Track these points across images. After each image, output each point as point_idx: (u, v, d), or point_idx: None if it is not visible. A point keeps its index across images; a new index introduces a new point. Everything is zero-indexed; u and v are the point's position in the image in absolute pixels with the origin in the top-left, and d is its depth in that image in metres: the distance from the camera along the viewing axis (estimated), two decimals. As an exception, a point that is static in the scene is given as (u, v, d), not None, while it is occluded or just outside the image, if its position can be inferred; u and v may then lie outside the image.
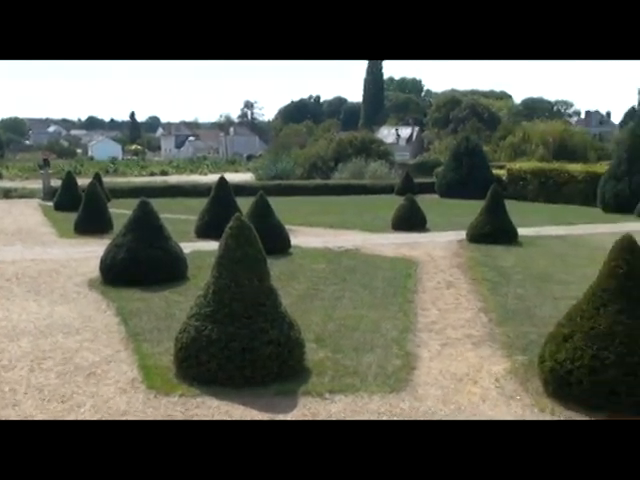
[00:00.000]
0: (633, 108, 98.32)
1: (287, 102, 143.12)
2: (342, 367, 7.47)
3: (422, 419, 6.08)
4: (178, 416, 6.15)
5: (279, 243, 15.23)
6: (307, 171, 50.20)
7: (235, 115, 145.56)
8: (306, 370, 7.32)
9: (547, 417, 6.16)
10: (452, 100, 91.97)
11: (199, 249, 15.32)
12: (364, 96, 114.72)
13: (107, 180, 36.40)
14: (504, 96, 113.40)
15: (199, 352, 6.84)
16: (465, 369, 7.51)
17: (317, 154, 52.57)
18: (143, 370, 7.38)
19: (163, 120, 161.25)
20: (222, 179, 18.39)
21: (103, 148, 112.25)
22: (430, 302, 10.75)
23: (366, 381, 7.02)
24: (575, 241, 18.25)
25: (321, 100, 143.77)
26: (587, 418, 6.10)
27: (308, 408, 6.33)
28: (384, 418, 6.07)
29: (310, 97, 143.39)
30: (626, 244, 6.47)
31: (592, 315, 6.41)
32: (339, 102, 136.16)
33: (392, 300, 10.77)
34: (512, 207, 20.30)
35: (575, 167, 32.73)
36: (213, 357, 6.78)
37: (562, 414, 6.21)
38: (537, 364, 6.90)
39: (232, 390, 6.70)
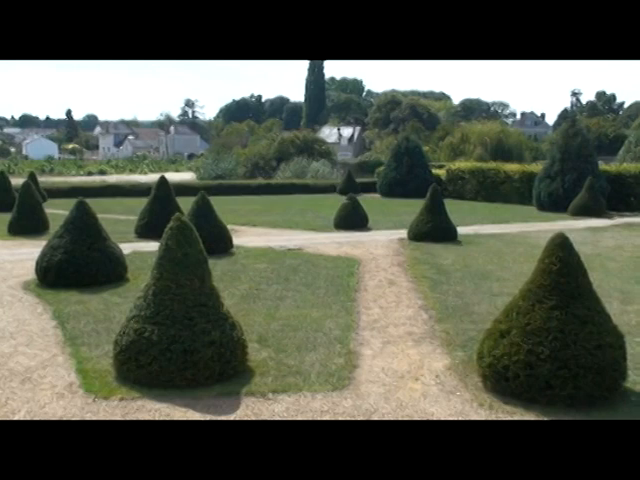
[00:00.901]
0: (566, 110, 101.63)
1: (229, 101, 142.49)
2: (285, 367, 7.47)
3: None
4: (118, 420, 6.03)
5: (221, 243, 15.13)
6: (249, 170, 50.02)
7: (176, 114, 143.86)
8: (249, 370, 7.29)
9: (486, 412, 6.30)
10: (392, 100, 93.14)
11: (139, 250, 15.08)
12: (306, 96, 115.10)
13: (43, 180, 35.43)
14: (443, 97, 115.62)
15: (139, 354, 6.74)
16: (406, 366, 7.61)
17: (259, 153, 52.43)
18: (81, 374, 7.21)
19: (101, 118, 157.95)
20: (162, 178, 18.13)
21: (38, 147, 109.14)
22: (372, 300, 10.85)
23: (309, 380, 7.04)
24: (512, 239, 18.72)
25: (263, 99, 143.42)
26: (523, 411, 6.27)
27: (251, 409, 6.31)
28: (327, 417, 6.10)
29: (252, 96, 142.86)
30: (559, 242, 6.67)
31: (528, 311, 6.58)
32: (281, 101, 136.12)
33: (335, 299, 10.82)
34: (451, 206, 20.72)
35: (511, 167, 33.56)
36: (154, 359, 6.69)
37: (500, 408, 6.36)
38: (476, 360, 7.05)
39: (174, 392, 6.62)
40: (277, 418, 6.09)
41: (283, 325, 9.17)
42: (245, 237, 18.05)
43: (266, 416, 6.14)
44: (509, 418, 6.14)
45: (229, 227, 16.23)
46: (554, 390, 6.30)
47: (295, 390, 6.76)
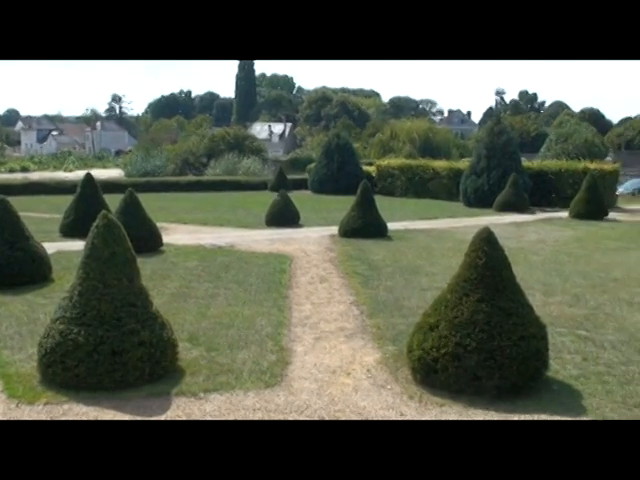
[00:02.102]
0: (491, 108, 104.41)
1: (157, 96, 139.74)
2: (217, 365, 7.40)
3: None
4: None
5: (150, 241, 14.87)
6: (179, 167, 49.30)
7: (102, 109, 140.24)
8: (180, 370, 7.19)
9: (415, 404, 6.42)
10: (323, 97, 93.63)
11: (64, 249, 14.64)
12: (236, 92, 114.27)
13: (-40, 177, 33.89)
14: (373, 95, 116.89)
15: (65, 357, 6.54)
16: (338, 361, 7.67)
17: (189, 150, 51.73)
18: (3, 379, 6.94)
19: (23, 113, 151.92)
20: (89, 175, 17.65)
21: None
22: (304, 297, 10.88)
23: (241, 378, 7.01)
24: (440, 234, 19.12)
25: (192, 95, 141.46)
26: (452, 402, 6.42)
27: (182, 409, 6.22)
28: (259, 414, 6.08)
29: (181, 92, 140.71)
30: (484, 236, 6.86)
31: (455, 304, 6.74)
32: (211, 97, 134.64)
33: (267, 296, 10.80)
34: (382, 202, 20.98)
35: (439, 163, 34.26)
36: (81, 362, 6.51)
37: (429, 400, 6.49)
38: (406, 353, 7.17)
39: (102, 394, 6.46)
40: (208, 418, 6.03)
41: (214, 323, 9.09)
42: (175, 235, 17.78)
43: (197, 416, 6.07)
44: (438, 409, 6.28)
45: (158, 225, 15.96)
46: (481, 381, 6.47)
47: (227, 388, 6.71)
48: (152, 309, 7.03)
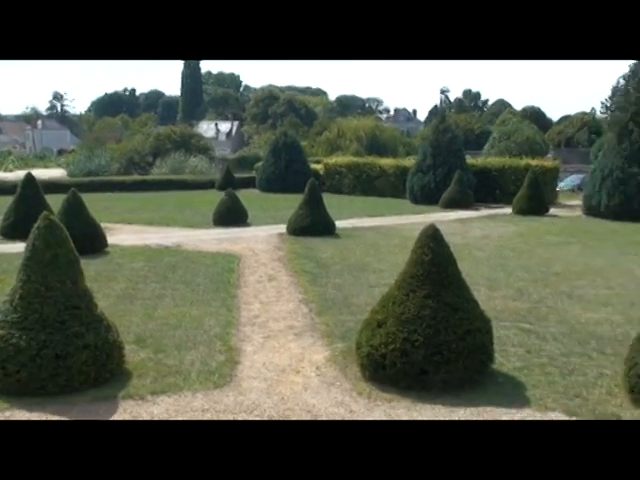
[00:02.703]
0: (436, 106, 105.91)
1: (100, 94, 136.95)
2: (164, 367, 7.31)
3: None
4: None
5: (94, 242, 14.59)
6: (124, 167, 48.40)
7: (43, 107, 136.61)
8: (127, 373, 7.08)
9: (364, 400, 6.46)
10: (270, 96, 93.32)
11: (4, 251, 14.24)
12: (182, 90, 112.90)
13: None
14: (320, 93, 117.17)
15: (6, 362, 6.36)
16: (287, 360, 7.67)
17: (134, 149, 50.85)
18: (-59, 387, 6.70)
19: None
20: (29, 175, 17.19)
21: None
22: (253, 296, 10.84)
23: (189, 379, 6.94)
24: (387, 231, 19.31)
25: (137, 93, 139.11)
26: (400, 398, 6.49)
27: (129, 412, 6.12)
28: (208, 415, 6.03)
29: (125, 90, 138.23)
30: (430, 233, 6.96)
31: (402, 301, 6.82)
32: (156, 95, 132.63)
33: (215, 296, 10.72)
34: (329, 200, 21.07)
35: (386, 161, 34.57)
36: (23, 367, 6.33)
37: (378, 396, 6.55)
38: (355, 350, 7.22)
39: (46, 400, 6.30)
40: (156, 419, 5.95)
41: (162, 324, 8.97)
42: (120, 235, 17.48)
43: (145, 419, 5.98)
44: (387, 405, 6.34)
45: (103, 225, 15.67)
46: (428, 375, 6.57)
47: (175, 390, 6.64)
48: (97, 311, 6.90)
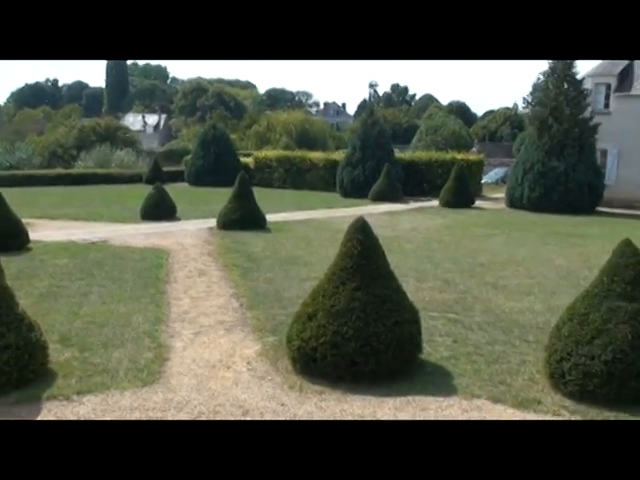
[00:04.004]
0: (365, 100, 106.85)
1: (20, 85, 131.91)
2: (91, 366, 7.13)
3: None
4: None
5: (15, 239, 14.06)
6: (47, 160, 46.80)
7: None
8: (51, 373, 6.86)
9: (295, 393, 6.48)
10: (198, 88, 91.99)
11: None
12: (107, 81, 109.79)
13: None
14: (249, 86, 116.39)
15: None
16: (218, 355, 7.61)
17: (57, 142, 49.24)
18: None
19: None
20: (-57, 169, 16.41)
21: None
22: (182, 291, 10.70)
23: (117, 378, 6.79)
24: (318, 225, 19.40)
25: (59, 84, 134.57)
26: (331, 390, 6.54)
27: (54, 413, 5.94)
28: (136, 414, 5.92)
29: (47, 80, 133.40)
30: (359, 226, 7.03)
31: (333, 293, 6.87)
32: (80, 87, 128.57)
33: (143, 292, 10.52)
34: (260, 194, 20.98)
35: (316, 155, 34.70)
36: (-62, 370, 6.05)
37: (309, 389, 6.58)
38: (286, 344, 7.23)
39: (-36, 404, 6.05)
40: (82, 419, 5.80)
41: (88, 323, 8.74)
42: (43, 231, 16.91)
43: (70, 419, 5.82)
44: (318, 397, 6.38)
45: (24, 221, 15.10)
46: (359, 367, 6.65)
47: (102, 389, 6.48)
48: (18, 310, 6.65)
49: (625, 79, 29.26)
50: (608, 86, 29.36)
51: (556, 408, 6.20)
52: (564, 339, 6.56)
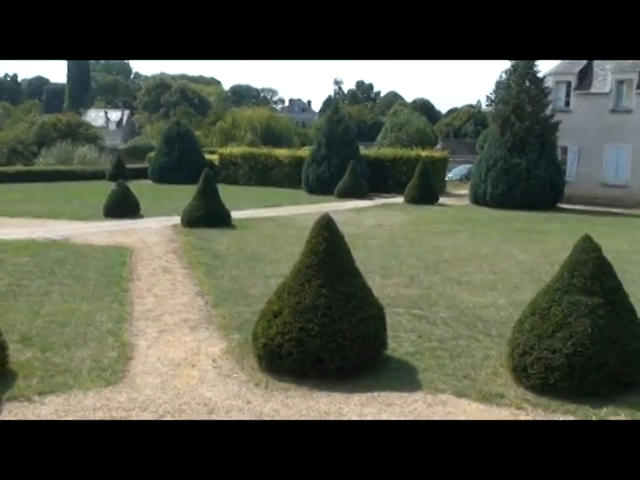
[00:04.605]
0: (330, 97, 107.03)
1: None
2: (52, 366, 7.00)
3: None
4: None
5: (-26, 237, 13.75)
6: (6, 156, 45.94)
7: None
8: (11, 374, 6.71)
9: (261, 391, 6.47)
10: (162, 84, 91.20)
11: None
12: (69, 76, 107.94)
13: None
14: (213, 82, 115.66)
15: None
16: (183, 354, 7.55)
17: (17, 138, 48.32)
18: None
19: None
20: None
21: None
22: (146, 289, 10.58)
23: (79, 377, 6.68)
24: (284, 222, 19.38)
25: (19, 79, 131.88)
26: (297, 387, 6.54)
27: (14, 414, 5.82)
28: (100, 414, 5.84)
29: (6, 75, 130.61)
30: (324, 223, 7.03)
31: (298, 291, 6.86)
32: (40, 82, 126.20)
33: (106, 290, 10.38)
34: (225, 191, 20.87)
35: (282, 152, 34.65)
36: None
37: (275, 386, 6.57)
38: (251, 342, 7.20)
39: None
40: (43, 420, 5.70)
41: (49, 322, 8.58)
42: (3, 229, 16.57)
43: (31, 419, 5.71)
44: (284, 395, 6.37)
45: (-17, 219, 14.79)
46: (324, 363, 6.65)
47: (64, 389, 6.37)
48: (-24, 310, 6.51)
49: (585, 77, 29.84)
50: (568, 84, 29.92)
51: (519, 401, 6.29)
52: (526, 333, 6.66)
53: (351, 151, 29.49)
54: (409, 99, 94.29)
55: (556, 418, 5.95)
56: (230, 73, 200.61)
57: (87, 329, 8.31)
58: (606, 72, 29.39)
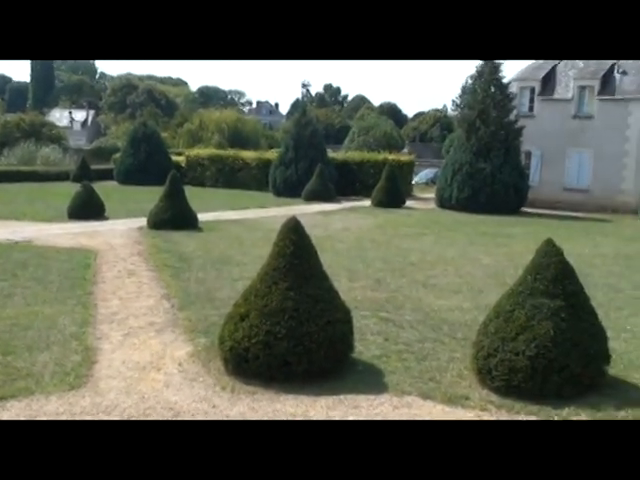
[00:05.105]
0: (298, 100, 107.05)
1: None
2: (14, 370, 6.87)
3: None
4: None
5: None
6: (-34, 157, 44.86)
7: None
8: (-29, 378, 6.58)
9: (228, 394, 6.43)
10: (128, 84, 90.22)
11: None
12: (32, 75, 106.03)
13: None
14: (180, 83, 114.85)
15: None
16: (148, 357, 7.47)
17: (-22, 138, 47.26)
18: None
19: None
20: None
21: None
22: (111, 292, 10.46)
23: (42, 382, 6.57)
24: (251, 224, 19.32)
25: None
26: (263, 390, 6.52)
27: (-26, 420, 5.70)
28: (63, 418, 5.75)
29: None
30: (292, 226, 7.04)
31: (265, 293, 6.85)
32: (3, 80, 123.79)
33: (70, 293, 10.22)
34: (192, 193, 20.74)
35: (249, 154, 34.55)
36: None
37: (242, 389, 6.55)
38: (218, 345, 7.16)
39: None
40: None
41: (11, 325, 8.42)
42: (-37, 231, 16.22)
43: (-7, 426, 5.60)
44: (251, 398, 6.35)
45: (-58, 220, 14.46)
46: (291, 366, 6.65)
47: (26, 394, 6.25)
48: None
49: (548, 83, 30.38)
50: (532, 90, 30.43)
51: (483, 403, 6.37)
52: (491, 336, 6.75)
53: (319, 154, 29.54)
54: (376, 103, 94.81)
55: (519, 419, 6.04)
56: (197, 74, 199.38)
57: (50, 332, 8.18)
58: (568, 78, 29.97)
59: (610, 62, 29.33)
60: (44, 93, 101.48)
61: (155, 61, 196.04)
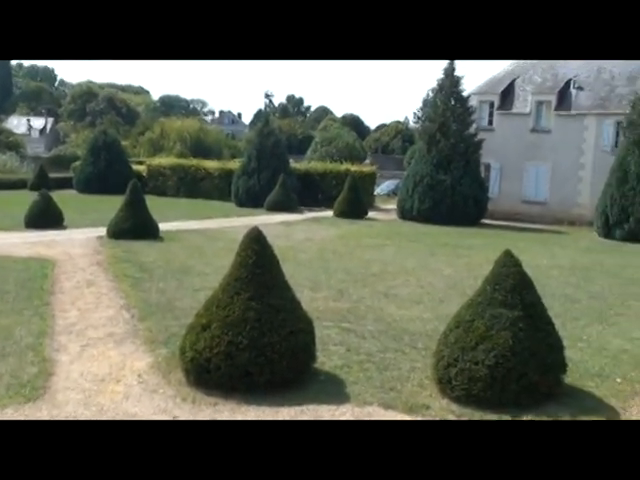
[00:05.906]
0: (260, 110, 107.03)
1: None
2: (-32, 383, 6.71)
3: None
4: None
5: None
6: None
7: None
8: None
9: (189, 405, 6.38)
10: (88, 92, 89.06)
11: None
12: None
13: None
14: (142, 91, 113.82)
15: None
16: (107, 369, 7.36)
17: None
18: None
19: None
20: None
21: None
22: (69, 303, 10.28)
23: (-3, 394, 6.42)
24: (213, 234, 19.21)
25: None
26: (225, 401, 6.48)
27: None
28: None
29: None
30: (254, 236, 7.03)
31: (227, 304, 6.82)
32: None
33: (27, 304, 10.02)
34: (153, 202, 20.51)
35: (211, 164, 34.39)
36: None
37: (203, 400, 6.50)
38: (179, 356, 7.09)
39: None
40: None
41: (-35, 336, 8.21)
42: None
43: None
44: (212, 409, 6.31)
45: None
46: (253, 377, 6.63)
47: (-20, 407, 6.11)
48: None
49: (507, 97, 30.96)
50: (491, 104, 30.97)
51: (444, 412, 6.44)
52: (451, 345, 6.83)
53: (281, 164, 29.57)
54: (339, 114, 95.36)
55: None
56: (159, 83, 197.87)
57: (5, 344, 8.00)
58: (527, 93, 30.60)
59: (567, 78, 30.07)
60: (1, 99, 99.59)
61: (116, 69, 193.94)
